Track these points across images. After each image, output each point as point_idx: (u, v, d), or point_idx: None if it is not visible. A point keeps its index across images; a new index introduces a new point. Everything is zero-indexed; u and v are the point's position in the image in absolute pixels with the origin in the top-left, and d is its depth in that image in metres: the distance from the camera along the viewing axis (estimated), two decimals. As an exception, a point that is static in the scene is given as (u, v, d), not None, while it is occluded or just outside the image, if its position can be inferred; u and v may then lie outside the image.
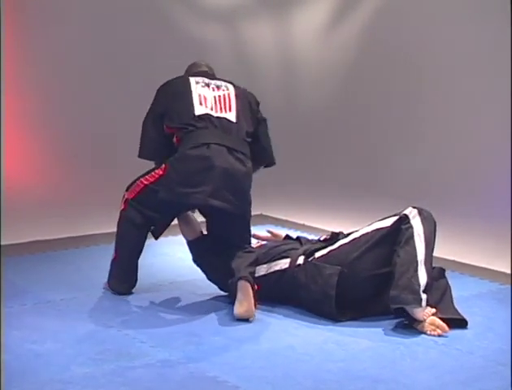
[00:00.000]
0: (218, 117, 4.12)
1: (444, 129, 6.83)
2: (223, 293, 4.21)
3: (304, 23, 7.92)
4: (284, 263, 4.08)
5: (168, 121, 4.16)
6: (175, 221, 4.34)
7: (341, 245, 3.99)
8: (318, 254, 4.01)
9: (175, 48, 7.26)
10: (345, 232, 4.14)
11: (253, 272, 4.03)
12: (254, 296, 3.90)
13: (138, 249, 4.25)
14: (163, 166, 4.10)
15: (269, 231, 4.50)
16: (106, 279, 4.30)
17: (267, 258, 4.14)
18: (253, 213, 4.18)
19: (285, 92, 7.87)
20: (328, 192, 6.79)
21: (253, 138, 4.22)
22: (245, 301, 3.87)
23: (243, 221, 4.13)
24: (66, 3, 7.04)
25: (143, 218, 4.19)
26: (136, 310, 4.05)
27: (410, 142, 7.06)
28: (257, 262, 4.10)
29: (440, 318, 3.70)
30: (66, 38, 7.05)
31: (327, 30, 7.82)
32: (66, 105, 7.08)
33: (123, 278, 4.26)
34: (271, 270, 4.09)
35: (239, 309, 3.85)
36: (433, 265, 3.89)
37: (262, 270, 4.10)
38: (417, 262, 3.75)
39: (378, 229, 3.92)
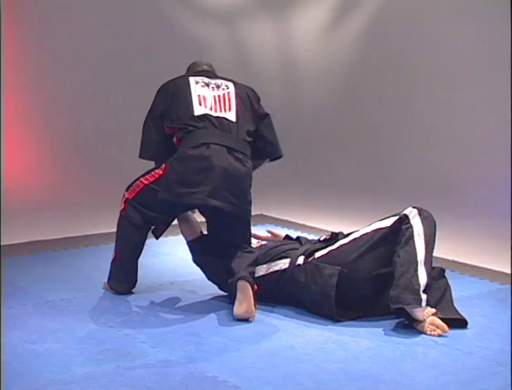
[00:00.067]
0: (217, 117, 4.11)
1: (444, 129, 6.84)
2: (223, 293, 4.21)
3: (304, 23, 7.92)
4: (283, 263, 4.08)
5: (168, 121, 4.16)
6: (175, 221, 4.35)
7: (341, 245, 3.99)
8: (318, 254, 4.01)
9: (175, 48, 7.27)
10: (345, 232, 4.13)
11: (253, 272, 4.03)
12: (254, 297, 3.90)
13: (138, 249, 4.25)
14: (163, 166, 4.10)
15: (269, 231, 4.50)
16: (106, 279, 4.30)
17: (267, 258, 4.14)
18: (253, 213, 4.18)
19: (285, 92, 7.88)
20: (328, 192, 6.80)
21: (256, 134, 4.22)
22: (244, 301, 3.86)
23: (243, 221, 4.13)
24: (66, 3, 7.05)
25: (143, 217, 4.19)
26: (136, 310, 4.05)
27: (410, 142, 7.06)
28: (257, 262, 4.10)
29: (440, 318, 3.70)
30: (66, 38, 7.06)
31: (327, 30, 7.82)
32: (66, 105, 7.09)
33: (123, 278, 4.26)
34: (271, 270, 4.09)
35: (239, 309, 3.85)
36: (433, 265, 3.89)
37: (261, 270, 4.10)
38: (417, 262, 3.74)
39: (378, 229, 3.92)
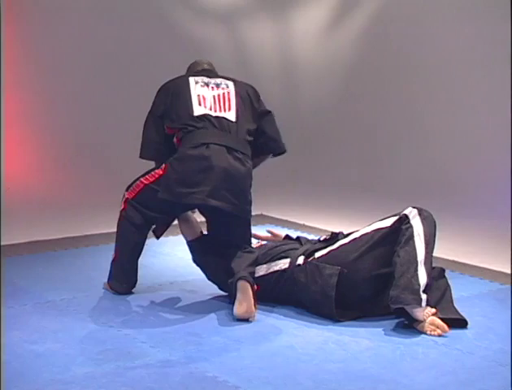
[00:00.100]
0: (217, 117, 4.11)
1: (444, 129, 6.84)
2: (223, 293, 4.21)
3: (304, 23, 7.92)
4: (283, 263, 4.08)
5: (168, 121, 4.17)
6: (176, 221, 4.35)
7: (341, 245, 3.99)
8: (318, 254, 4.00)
9: (175, 48, 7.27)
10: (345, 232, 4.13)
11: (253, 272, 4.03)
12: (254, 297, 3.90)
13: (138, 249, 4.25)
14: (163, 165, 4.10)
15: (269, 231, 4.50)
16: (106, 279, 4.30)
17: (267, 258, 4.14)
18: (253, 213, 4.18)
19: (285, 92, 7.88)
20: (328, 192, 6.80)
21: (258, 131, 4.21)
22: (244, 301, 3.86)
23: (243, 221, 4.13)
24: (66, 3, 7.05)
25: (143, 217, 4.19)
26: (136, 310, 4.05)
27: (410, 142, 7.06)
28: (257, 262, 4.10)
29: (440, 318, 3.70)
30: (66, 38, 7.06)
31: (327, 30, 7.82)
32: (66, 105, 7.09)
33: (123, 278, 4.26)
34: (271, 270, 4.09)
35: (239, 309, 3.85)
36: (433, 265, 3.89)
37: (261, 270, 4.10)
38: (417, 262, 3.74)
39: (378, 229, 3.92)
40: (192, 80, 4.21)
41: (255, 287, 3.94)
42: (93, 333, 3.73)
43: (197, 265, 4.31)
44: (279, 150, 4.33)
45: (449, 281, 3.99)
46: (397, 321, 3.82)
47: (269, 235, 4.46)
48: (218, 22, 7.80)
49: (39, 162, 6.84)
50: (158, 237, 4.37)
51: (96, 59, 7.12)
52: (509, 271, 4.54)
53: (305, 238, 4.36)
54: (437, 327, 3.66)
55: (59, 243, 5.31)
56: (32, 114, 6.95)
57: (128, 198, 4.22)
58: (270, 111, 4.29)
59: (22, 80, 6.89)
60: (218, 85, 4.21)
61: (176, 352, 3.48)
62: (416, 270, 3.73)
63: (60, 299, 4.17)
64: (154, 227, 4.31)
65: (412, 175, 6.72)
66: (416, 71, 7.08)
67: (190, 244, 4.32)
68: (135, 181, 4.21)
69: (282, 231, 4.61)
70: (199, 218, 4.34)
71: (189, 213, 4.30)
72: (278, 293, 4.08)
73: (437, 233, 3.89)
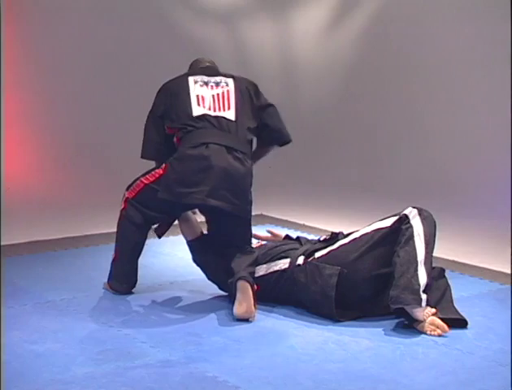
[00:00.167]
0: (216, 116, 4.11)
1: (444, 129, 6.84)
2: (223, 293, 4.21)
3: (304, 23, 7.92)
4: (283, 263, 4.08)
5: (168, 122, 4.17)
6: (176, 221, 4.35)
7: (341, 245, 3.99)
8: (318, 254, 4.00)
9: (175, 48, 7.27)
10: (345, 232, 4.13)
11: (253, 272, 4.03)
12: (254, 297, 3.90)
13: (138, 249, 4.25)
14: (163, 165, 4.10)
15: (269, 231, 4.50)
16: (106, 279, 4.30)
17: (267, 258, 4.14)
18: (253, 213, 4.17)
19: (285, 92, 7.87)
20: (328, 193, 6.80)
21: (261, 125, 4.21)
22: (244, 301, 3.86)
23: (243, 221, 4.13)
24: (66, 3, 7.05)
25: (143, 217, 4.19)
26: (136, 310, 4.05)
27: (410, 142, 7.06)
28: (256, 262, 4.10)
29: (440, 318, 3.70)
30: (66, 38, 7.06)
31: (327, 30, 7.82)
32: (66, 105, 7.09)
33: (123, 278, 4.26)
34: (271, 270, 4.09)
35: (238, 309, 3.85)
36: (433, 265, 3.89)
37: (261, 270, 4.10)
38: (417, 262, 3.74)
39: (378, 229, 3.92)
40: (191, 79, 4.21)
41: (255, 287, 3.95)
42: (93, 333, 3.73)
43: (197, 265, 4.31)
44: (283, 140, 4.30)
45: (449, 281, 3.99)
46: (397, 321, 3.82)
47: (269, 235, 4.46)
48: (218, 22, 7.80)
49: (39, 162, 6.84)
50: (159, 236, 4.37)
51: (96, 59, 7.12)
52: (509, 271, 4.54)
53: (305, 238, 4.36)
54: (437, 327, 3.66)
55: (59, 243, 5.31)
56: (32, 114, 6.95)
57: (128, 198, 4.22)
58: (271, 104, 4.27)
59: (22, 80, 6.89)
60: (217, 84, 4.20)
61: (176, 352, 3.48)
62: (416, 270, 3.72)
63: (60, 299, 4.17)
64: (155, 226, 4.31)
65: (412, 175, 6.72)
66: (416, 71, 7.08)
67: (190, 243, 4.32)
68: (135, 181, 4.21)
69: (282, 231, 4.61)
70: (199, 218, 4.34)
71: (189, 213, 4.30)
72: (278, 293, 4.07)
73: (437, 233, 3.89)
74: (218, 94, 4.17)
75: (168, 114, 4.16)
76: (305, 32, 7.92)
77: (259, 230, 4.61)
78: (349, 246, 3.95)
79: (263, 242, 4.39)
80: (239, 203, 4.01)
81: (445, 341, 3.60)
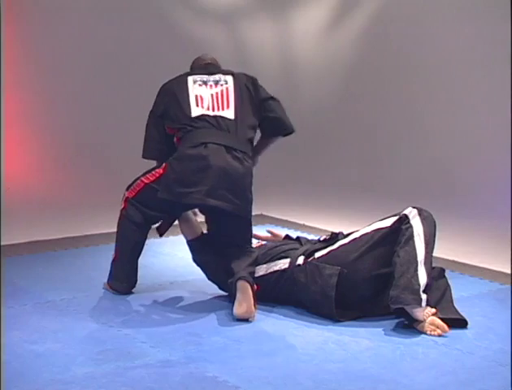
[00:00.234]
0: (215, 116, 4.10)
1: (444, 129, 6.83)
2: (223, 293, 4.21)
3: (304, 23, 7.92)
4: (283, 263, 4.08)
5: (168, 122, 4.17)
6: (176, 221, 4.35)
7: (341, 245, 3.99)
8: (317, 254, 4.00)
9: (175, 48, 7.27)
10: (345, 232, 4.13)
11: (253, 272, 4.03)
12: (254, 297, 3.90)
13: (138, 248, 4.25)
14: (164, 165, 4.10)
15: (269, 231, 4.50)
16: (106, 279, 4.30)
17: (267, 258, 4.14)
18: (253, 213, 4.17)
19: (285, 92, 7.87)
20: (328, 193, 6.80)
21: (263, 118, 4.20)
22: (244, 301, 3.86)
23: (243, 220, 4.12)
24: (66, 3, 7.05)
25: (143, 217, 4.19)
26: (136, 310, 4.05)
27: (410, 142, 7.06)
28: (256, 262, 4.10)
29: (440, 318, 3.70)
30: (66, 38, 7.06)
31: (327, 30, 7.82)
32: (66, 105, 7.09)
33: (123, 278, 4.26)
34: (271, 270, 4.09)
35: (238, 309, 3.85)
36: (433, 265, 3.89)
37: (261, 270, 4.10)
38: (417, 262, 3.74)
39: (378, 229, 3.92)
40: (190, 79, 4.21)
41: (255, 287, 3.95)
42: (93, 333, 3.73)
43: (197, 264, 4.31)
44: (285, 131, 4.29)
45: (449, 281, 3.99)
46: (397, 321, 3.82)
47: (269, 235, 4.46)
48: (218, 22, 7.80)
49: (39, 162, 6.84)
50: (161, 235, 4.37)
51: (96, 59, 7.12)
52: (509, 271, 4.54)
53: (305, 238, 4.36)
54: (437, 327, 3.66)
55: (59, 243, 5.31)
56: (32, 114, 6.95)
57: (128, 197, 4.22)
58: (272, 97, 4.25)
59: (22, 80, 6.89)
60: (216, 83, 4.20)
61: (176, 352, 3.48)
62: (416, 270, 3.72)
63: (60, 299, 4.17)
64: (157, 225, 4.31)
65: (412, 175, 6.72)
66: (416, 71, 7.08)
67: (190, 243, 4.32)
68: (135, 180, 4.22)
69: (282, 231, 4.61)
70: (200, 218, 4.34)
71: (189, 212, 4.30)
72: (278, 293, 4.07)
73: (437, 233, 3.89)
74: (217, 93, 4.17)
75: (168, 114, 4.17)
76: (305, 32, 7.91)
77: (259, 230, 4.61)
78: (349, 246, 3.95)
79: (263, 242, 4.39)
80: (239, 203, 4.01)
81: (445, 341, 3.60)
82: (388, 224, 3.90)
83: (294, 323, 3.86)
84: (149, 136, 4.24)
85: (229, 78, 4.23)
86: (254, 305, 3.89)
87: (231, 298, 3.99)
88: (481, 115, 6.57)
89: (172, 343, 3.59)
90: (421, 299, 3.68)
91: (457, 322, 3.76)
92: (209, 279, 4.28)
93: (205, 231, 4.31)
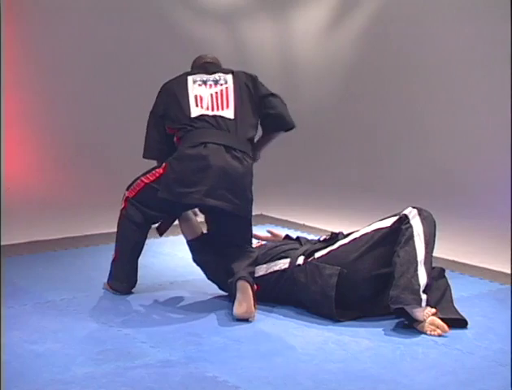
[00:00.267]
0: (214, 116, 4.10)
1: (444, 129, 6.84)
2: (223, 293, 4.21)
3: (304, 23, 7.92)
4: (283, 263, 4.08)
5: (168, 122, 4.17)
6: (176, 221, 4.35)
7: (341, 245, 3.99)
8: (317, 254, 4.00)
9: (175, 48, 7.27)
10: (345, 232, 4.13)
11: (253, 272, 4.03)
12: (254, 297, 3.90)
13: (138, 248, 4.25)
14: (164, 164, 4.10)
15: (269, 231, 4.49)
16: (106, 279, 4.30)
17: (267, 258, 4.14)
18: (253, 213, 4.17)
19: (285, 92, 7.86)
20: (328, 193, 6.80)
21: (264, 114, 4.20)
22: (244, 301, 3.86)
23: (243, 220, 4.12)
24: (66, 3, 7.05)
25: (143, 216, 4.19)
26: (136, 310, 4.05)
27: (410, 142, 7.06)
28: (256, 262, 4.10)
29: (440, 318, 3.70)
30: (66, 38, 7.06)
31: (327, 30, 7.82)
32: (66, 105, 7.09)
33: (123, 278, 4.26)
34: (271, 270, 4.09)
35: (238, 309, 3.85)
36: (433, 265, 3.89)
37: (261, 270, 4.10)
38: (417, 262, 3.74)
39: (378, 229, 3.92)
40: (190, 79, 4.21)
41: (255, 287, 3.95)
42: (93, 333, 3.73)
43: (197, 264, 4.31)
44: (286, 127, 4.27)
45: (449, 281, 3.99)
46: (397, 321, 3.82)
47: (269, 235, 4.46)
48: (218, 22, 7.80)
49: (39, 162, 6.84)
50: (161, 234, 4.37)
51: (96, 59, 7.12)
52: (509, 271, 4.54)
53: (305, 238, 4.36)
54: (437, 327, 3.66)
55: (59, 243, 5.31)
56: (32, 114, 6.95)
57: (128, 197, 4.22)
58: (273, 93, 4.25)
59: (22, 80, 6.89)
60: (216, 82, 4.20)
61: (176, 352, 3.48)
62: (416, 270, 3.72)
63: (60, 299, 4.17)
64: (157, 224, 4.31)
65: (412, 175, 6.72)
66: (416, 71, 7.08)
67: (190, 243, 4.32)
68: (135, 180, 4.22)
69: (282, 231, 4.61)
70: (200, 218, 4.34)
71: (189, 212, 4.30)
72: (278, 293, 4.07)
73: (437, 233, 3.89)
74: (216, 93, 4.17)
75: (168, 114, 4.17)
76: (305, 32, 7.91)
77: (259, 230, 4.61)
78: (349, 246, 3.95)
79: (263, 242, 4.39)
80: (238, 202, 4.01)
81: (445, 341, 3.60)
82: (388, 224, 3.90)
83: (294, 323, 3.86)
84: (150, 136, 4.25)
85: (229, 77, 4.23)
86: (254, 305, 3.89)
87: (231, 298, 3.99)
88: (481, 115, 6.57)
89: (172, 343, 3.59)
90: (421, 299, 3.68)
91: (457, 322, 3.76)
92: (209, 278, 4.28)
93: (205, 231, 4.31)
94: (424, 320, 3.68)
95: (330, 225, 5.45)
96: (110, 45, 7.14)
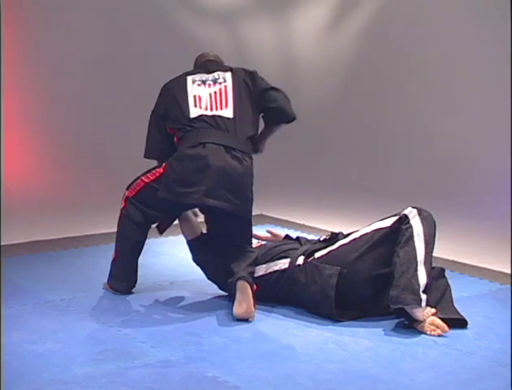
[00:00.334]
0: (213, 115, 4.10)
1: (444, 129, 6.83)
2: (223, 293, 4.21)
3: (304, 23, 7.92)
4: (283, 263, 4.08)
5: (169, 122, 4.18)
6: (176, 221, 4.35)
7: (341, 246, 3.99)
8: (317, 255, 4.00)
9: (175, 48, 7.27)
10: (345, 232, 4.13)
11: (253, 272, 4.03)
12: (254, 297, 3.90)
13: (138, 248, 4.25)
14: (164, 164, 4.11)
15: (269, 231, 4.49)
16: (106, 279, 4.30)
17: (267, 258, 4.14)
18: (253, 213, 4.17)
19: (285, 92, 7.87)
20: (328, 193, 6.80)
21: (264, 108, 4.19)
22: (244, 301, 3.86)
23: (243, 220, 4.12)
24: (66, 3, 7.05)
25: (143, 216, 4.19)
26: (136, 310, 4.06)
27: (410, 142, 7.06)
28: (256, 262, 4.10)
29: (440, 318, 3.70)
30: (66, 38, 7.06)
31: (327, 30, 7.82)
32: (66, 105, 7.09)
33: (123, 277, 4.26)
34: (271, 270, 4.09)
35: (238, 309, 3.85)
36: (433, 265, 3.89)
37: (261, 270, 4.10)
38: (417, 262, 3.74)
39: (378, 229, 3.92)
40: (190, 79, 4.21)
41: (255, 287, 3.94)
42: (93, 333, 3.73)
43: (197, 264, 4.31)
44: (287, 119, 4.25)
45: (449, 281, 3.99)
46: (397, 321, 3.82)
47: (269, 235, 4.46)
48: (218, 22, 7.79)
49: (39, 162, 6.84)
50: (161, 232, 4.37)
51: (96, 59, 7.12)
52: (509, 271, 4.54)
53: (305, 238, 4.36)
54: (437, 327, 3.66)
55: (59, 243, 5.31)
56: (32, 114, 6.95)
57: (128, 196, 4.22)
58: (273, 87, 4.23)
59: (22, 80, 6.89)
60: (215, 81, 4.20)
61: (176, 352, 3.48)
62: (416, 270, 3.72)
63: (60, 299, 4.17)
64: (156, 224, 4.32)
65: (412, 175, 6.72)
66: (416, 71, 7.08)
67: (190, 243, 4.32)
68: (136, 180, 4.22)
69: (282, 231, 4.61)
70: (200, 218, 4.34)
71: (189, 212, 4.30)
72: (278, 293, 4.07)
73: (437, 233, 3.89)
74: (215, 92, 4.17)
75: (168, 114, 4.18)
76: (305, 32, 7.91)
77: (259, 230, 4.61)
78: (348, 246, 3.95)
79: (263, 242, 4.39)
80: (238, 202, 4.01)
81: (445, 341, 3.60)
82: (388, 224, 3.90)
83: (294, 323, 3.86)
84: (151, 136, 4.26)
85: (228, 75, 4.22)
86: (254, 305, 3.89)
87: (231, 298, 3.99)
88: (481, 115, 6.57)
89: (172, 343, 3.59)
90: (421, 299, 3.68)
91: (457, 322, 3.76)
92: (209, 278, 4.28)
93: (205, 231, 4.31)
94: (424, 320, 3.68)
95: (330, 225, 5.45)
96: (110, 45, 7.14)
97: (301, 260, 4.02)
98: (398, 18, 7.21)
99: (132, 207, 4.20)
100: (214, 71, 4.23)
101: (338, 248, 3.98)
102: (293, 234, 4.59)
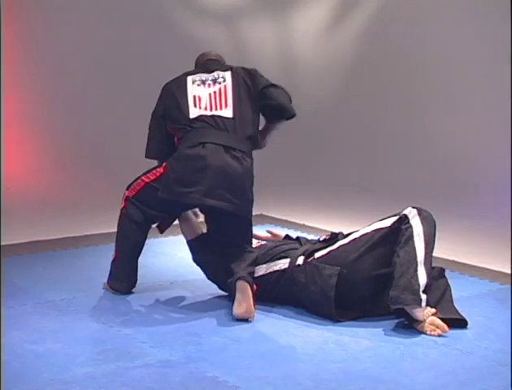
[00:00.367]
0: (212, 115, 4.10)
1: (443, 129, 6.83)
2: (223, 293, 4.21)
3: (304, 23, 7.92)
4: (283, 263, 4.08)
5: (169, 122, 4.18)
6: (176, 221, 4.35)
7: (341, 246, 3.99)
8: (317, 255, 4.00)
9: (175, 48, 7.27)
10: (345, 232, 4.13)
11: (253, 272, 4.03)
12: (253, 297, 3.90)
13: (138, 248, 4.25)
14: (164, 164, 4.11)
15: (269, 231, 4.49)
16: (106, 279, 4.30)
17: (267, 258, 4.14)
18: (253, 213, 4.17)
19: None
20: (328, 193, 6.80)
21: (264, 106, 4.19)
22: (243, 301, 3.86)
23: (243, 220, 4.12)
24: (66, 3, 7.05)
25: (143, 216, 4.19)
26: (136, 310, 4.06)
27: (410, 142, 7.06)
28: (256, 262, 4.10)
29: (440, 318, 3.70)
30: (66, 38, 7.06)
31: (327, 30, 7.82)
32: (66, 105, 7.09)
33: (123, 277, 4.26)
34: (271, 270, 4.09)
35: (238, 309, 3.85)
36: (433, 265, 3.89)
37: (261, 270, 4.10)
38: (416, 262, 3.74)
39: (377, 229, 3.92)
40: (189, 79, 4.21)
41: (254, 287, 3.94)
42: (93, 333, 3.73)
43: (197, 264, 4.31)
44: (287, 116, 4.25)
45: (449, 281, 3.99)
46: (396, 321, 3.82)
47: (269, 235, 4.46)
48: (218, 22, 7.80)
49: (39, 162, 6.84)
50: (162, 231, 4.37)
51: (96, 59, 7.12)
52: (509, 271, 4.54)
53: (305, 238, 4.36)
54: (437, 327, 3.66)
55: (59, 243, 5.31)
56: (32, 114, 6.95)
57: (128, 196, 4.22)
58: (272, 84, 4.22)
59: (22, 80, 6.89)
60: (215, 81, 4.20)
61: (176, 352, 3.48)
62: (416, 270, 3.72)
63: (60, 299, 4.17)
64: (156, 224, 4.32)
65: (412, 175, 6.72)
66: (416, 71, 7.08)
67: (190, 243, 4.32)
68: (136, 179, 4.22)
69: (282, 231, 4.61)
70: (200, 218, 4.34)
71: (189, 212, 4.30)
72: (277, 293, 4.07)
73: (437, 233, 3.88)
74: (215, 92, 4.16)
75: (168, 115, 4.18)
76: (305, 32, 7.91)
77: (259, 230, 4.61)
78: (348, 246, 3.95)
79: (263, 242, 4.39)
80: (238, 202, 4.01)
81: (445, 341, 3.60)
82: (388, 224, 3.90)
83: (294, 323, 3.86)
84: (151, 137, 4.26)
85: (227, 74, 4.22)
86: (254, 305, 3.89)
87: (231, 298, 3.99)
88: (481, 115, 6.57)
89: (172, 343, 3.59)
90: (421, 299, 3.68)
91: (457, 322, 3.76)
92: (209, 278, 4.28)
93: (205, 231, 4.31)
94: (424, 320, 3.68)
95: (330, 225, 5.45)
96: (110, 45, 7.14)
97: (301, 260, 4.02)
98: (398, 18, 7.21)
99: (132, 207, 4.20)
100: (214, 71, 4.23)
101: (338, 248, 3.98)
102: (293, 234, 4.59)
